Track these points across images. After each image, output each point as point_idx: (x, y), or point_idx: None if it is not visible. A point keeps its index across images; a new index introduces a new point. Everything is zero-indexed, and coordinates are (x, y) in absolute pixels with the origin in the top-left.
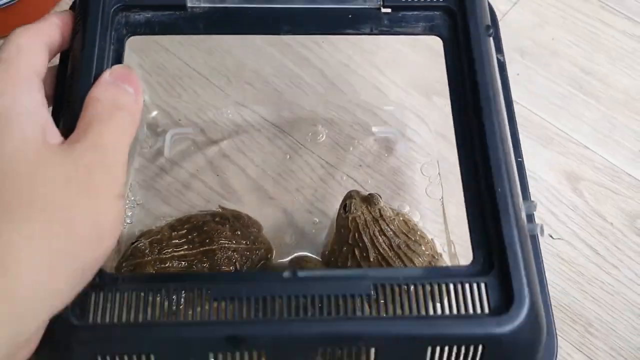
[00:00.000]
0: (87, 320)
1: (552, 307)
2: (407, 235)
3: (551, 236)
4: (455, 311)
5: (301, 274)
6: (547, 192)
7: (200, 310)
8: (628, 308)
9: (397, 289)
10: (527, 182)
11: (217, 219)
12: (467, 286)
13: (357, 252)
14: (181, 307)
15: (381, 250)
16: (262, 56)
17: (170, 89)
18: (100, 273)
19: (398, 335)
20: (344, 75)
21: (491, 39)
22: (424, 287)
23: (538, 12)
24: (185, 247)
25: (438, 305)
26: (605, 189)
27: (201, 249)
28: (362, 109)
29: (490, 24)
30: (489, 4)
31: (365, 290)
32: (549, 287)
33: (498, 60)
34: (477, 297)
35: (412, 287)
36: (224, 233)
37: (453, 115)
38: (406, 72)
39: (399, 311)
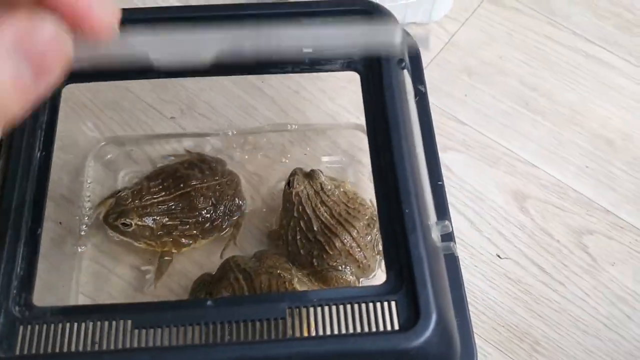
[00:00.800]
0: (14, 352)
1: (500, 326)
2: (346, 205)
3: (499, 256)
4: (367, 329)
5: (221, 301)
6: (494, 212)
7: (122, 339)
8: (574, 325)
9: (311, 310)
10: (447, 204)
11: (185, 165)
12: (378, 305)
13: (302, 224)
14: (105, 336)
15: (323, 219)
16: (215, 87)
17: (124, 123)
18: (30, 306)
19: (311, 354)
20: (295, 103)
21: (405, 71)
22: (337, 307)
23: (486, 30)
24: (163, 193)
25: (351, 324)
26: (552, 206)
27: (177, 193)
28: (315, 134)
29: (403, 58)
30: (411, 38)
31: (280, 313)
32: (497, 306)
33: (418, 90)
34: (387, 314)
35: (326, 308)
36: (194, 175)
37: (369, 144)
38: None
39: (313, 332)
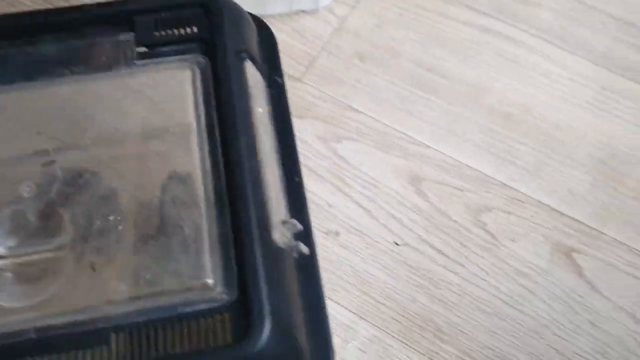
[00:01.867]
0: None
1: (401, 316)
2: None
3: (396, 243)
4: (202, 344)
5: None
6: (390, 198)
7: None
8: (475, 306)
9: (139, 331)
10: (306, 201)
11: None
12: (209, 319)
13: None
14: None
15: None
16: None
17: None
18: None
19: None
20: None
21: (249, 62)
22: (166, 326)
23: (377, 13)
24: None
25: (180, 342)
26: (449, 187)
27: None
28: None
29: (242, 48)
30: (264, 27)
31: (106, 339)
32: (397, 295)
33: (275, 81)
34: (219, 326)
35: (156, 328)
36: None
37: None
38: None
39: (141, 354)
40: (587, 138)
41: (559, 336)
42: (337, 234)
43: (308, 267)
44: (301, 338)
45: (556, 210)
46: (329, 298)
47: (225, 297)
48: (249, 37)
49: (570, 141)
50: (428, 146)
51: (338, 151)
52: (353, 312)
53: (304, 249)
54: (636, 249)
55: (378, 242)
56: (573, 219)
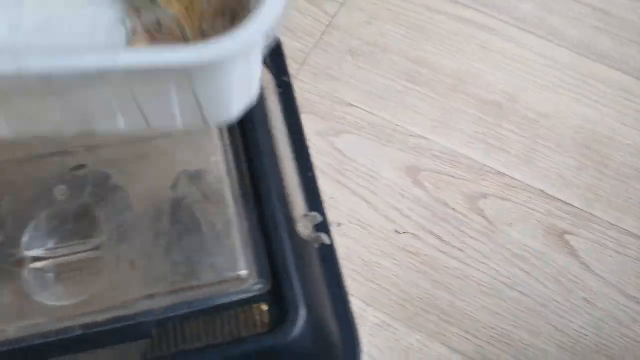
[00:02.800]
0: None
1: (406, 302)
2: None
3: (397, 232)
4: (239, 333)
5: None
6: (390, 190)
7: None
8: (477, 289)
9: (178, 324)
10: (320, 195)
11: None
12: (246, 309)
13: None
14: None
15: None
16: None
17: None
18: None
19: None
20: None
21: None
22: (205, 317)
23: (365, 8)
24: None
25: (223, 330)
26: (445, 176)
27: None
28: None
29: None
30: None
31: (148, 332)
32: (401, 282)
33: (282, 82)
34: (258, 316)
35: (195, 320)
36: None
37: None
38: None
39: (183, 345)
40: (570, 124)
41: (557, 314)
42: (339, 225)
43: (328, 257)
44: (332, 325)
45: (549, 195)
46: None
47: (259, 287)
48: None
49: (556, 128)
50: (423, 137)
51: (337, 145)
52: (361, 300)
53: (326, 239)
54: (623, 229)
55: (380, 232)
56: (565, 202)
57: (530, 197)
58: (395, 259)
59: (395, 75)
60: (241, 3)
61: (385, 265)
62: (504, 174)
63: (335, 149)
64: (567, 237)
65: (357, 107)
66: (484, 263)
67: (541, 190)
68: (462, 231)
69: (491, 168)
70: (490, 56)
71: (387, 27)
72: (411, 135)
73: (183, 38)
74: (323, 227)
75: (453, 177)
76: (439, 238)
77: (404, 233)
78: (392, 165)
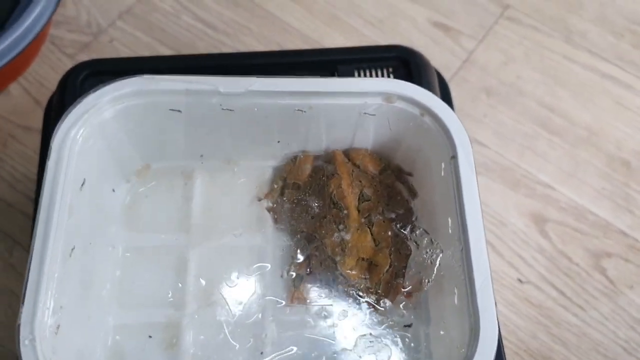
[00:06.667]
0: None
1: (523, 351)
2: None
3: (520, 280)
4: None
5: None
6: (515, 236)
7: None
8: (594, 349)
9: None
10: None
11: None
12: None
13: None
14: None
15: None
16: None
17: None
18: None
19: None
20: None
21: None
22: None
23: (503, 49)
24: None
25: None
26: (570, 229)
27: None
28: None
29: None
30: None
31: None
32: (519, 331)
33: None
34: None
35: None
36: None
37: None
38: None
39: None
40: None
41: None
42: None
43: None
44: None
45: None
46: None
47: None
48: (433, 83)
49: None
50: (551, 187)
51: None
52: None
53: None
54: None
55: (503, 279)
56: None
57: None
58: (515, 308)
59: (528, 120)
60: None
61: (504, 312)
62: (627, 235)
63: None
64: None
65: (487, 146)
66: (602, 324)
67: None
68: (583, 288)
69: (616, 227)
70: (623, 112)
71: (524, 70)
72: (539, 183)
73: None
74: None
75: (578, 231)
76: (561, 292)
77: (527, 282)
78: (518, 212)
